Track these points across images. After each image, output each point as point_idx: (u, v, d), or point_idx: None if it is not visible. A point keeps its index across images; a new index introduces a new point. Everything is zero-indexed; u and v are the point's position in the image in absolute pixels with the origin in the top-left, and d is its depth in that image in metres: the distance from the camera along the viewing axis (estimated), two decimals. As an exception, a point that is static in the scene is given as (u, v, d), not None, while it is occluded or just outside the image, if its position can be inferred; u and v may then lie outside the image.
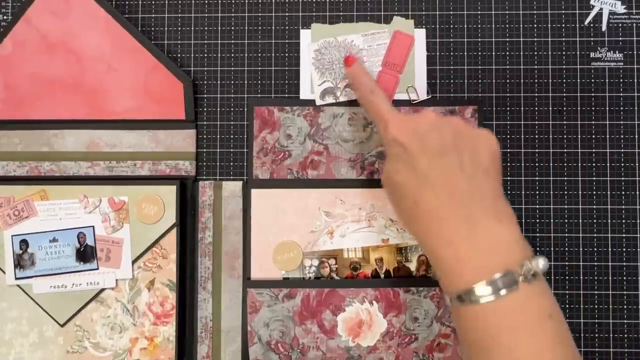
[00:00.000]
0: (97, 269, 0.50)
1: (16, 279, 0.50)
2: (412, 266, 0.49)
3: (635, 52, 0.51)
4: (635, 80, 0.51)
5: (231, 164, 0.52)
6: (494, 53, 0.51)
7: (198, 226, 0.51)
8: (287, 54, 0.52)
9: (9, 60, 0.51)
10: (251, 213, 0.50)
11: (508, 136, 0.51)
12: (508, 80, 0.51)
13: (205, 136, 0.52)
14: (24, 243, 0.50)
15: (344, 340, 0.48)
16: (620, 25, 0.51)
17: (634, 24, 0.51)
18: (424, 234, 0.39)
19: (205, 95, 0.52)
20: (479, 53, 0.52)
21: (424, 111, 0.41)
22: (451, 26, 0.52)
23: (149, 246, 0.50)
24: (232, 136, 0.52)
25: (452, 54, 0.52)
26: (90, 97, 0.52)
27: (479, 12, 0.52)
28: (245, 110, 0.52)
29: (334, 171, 0.50)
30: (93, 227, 0.50)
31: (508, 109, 0.51)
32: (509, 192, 0.51)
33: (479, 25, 0.52)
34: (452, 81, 0.52)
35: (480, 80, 0.51)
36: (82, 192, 0.50)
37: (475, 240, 0.36)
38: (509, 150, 0.51)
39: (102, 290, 0.50)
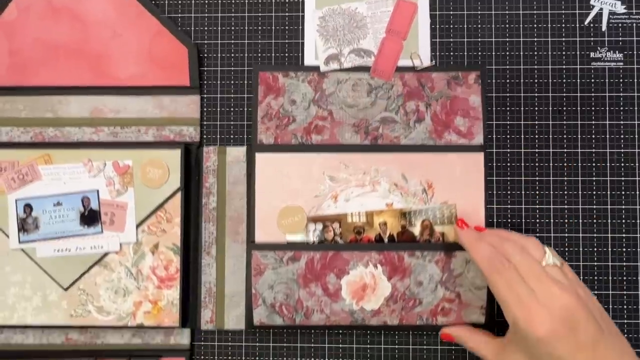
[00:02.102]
0: (101, 232, 0.50)
1: (20, 242, 0.50)
2: (416, 230, 0.50)
3: (635, 52, 0.51)
4: (635, 80, 0.51)
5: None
6: (494, 53, 0.51)
7: (202, 191, 0.51)
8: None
9: (14, 26, 0.51)
10: (255, 178, 0.50)
11: (508, 136, 0.51)
12: (508, 80, 0.51)
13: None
14: (28, 207, 0.50)
15: (348, 304, 0.48)
16: (620, 25, 0.51)
17: (634, 24, 0.51)
18: None
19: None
20: (479, 53, 0.52)
21: (563, 287, 0.38)
22: (451, 26, 0.52)
23: (153, 210, 0.50)
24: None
25: (452, 54, 0.52)
26: (95, 63, 0.52)
27: (479, 12, 0.52)
28: (250, 76, 0.52)
29: (338, 136, 0.50)
30: (97, 191, 0.50)
31: (508, 108, 0.51)
32: (509, 192, 0.51)
33: (479, 25, 0.52)
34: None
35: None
36: (86, 156, 0.50)
37: None
38: (509, 150, 0.51)
39: (106, 254, 0.50)
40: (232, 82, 0.52)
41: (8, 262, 0.50)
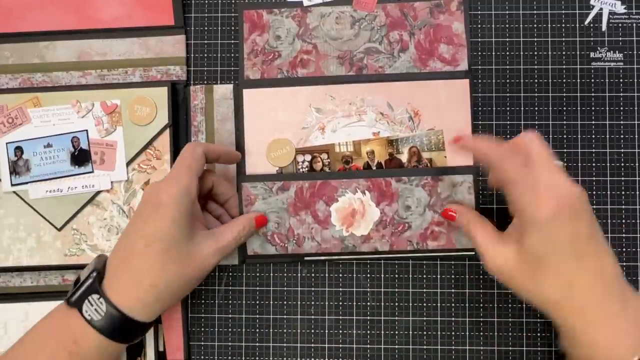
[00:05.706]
0: (92, 172, 0.50)
1: (12, 185, 0.50)
2: (404, 158, 0.50)
3: (635, 52, 0.51)
4: (635, 80, 0.51)
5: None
6: (494, 53, 0.51)
7: (191, 130, 0.52)
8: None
9: (-2, -26, 0.52)
10: (243, 113, 0.51)
11: (508, 136, 0.51)
12: (508, 80, 0.51)
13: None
14: (19, 150, 0.50)
15: (338, 230, 0.49)
16: (620, 25, 0.51)
17: (634, 24, 0.51)
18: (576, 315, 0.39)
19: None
20: (479, 53, 0.52)
21: (568, 178, 0.39)
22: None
23: (142, 147, 0.50)
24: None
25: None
26: (79, 6, 0.52)
27: (479, 12, 0.52)
28: (236, 15, 0.52)
29: (323, 68, 0.51)
30: (86, 131, 0.50)
31: (508, 109, 0.51)
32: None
33: (480, 25, 0.52)
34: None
35: (480, 81, 0.51)
36: (74, 98, 0.51)
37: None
38: (509, 150, 0.51)
39: (98, 193, 0.50)
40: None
41: (1, 205, 0.51)
